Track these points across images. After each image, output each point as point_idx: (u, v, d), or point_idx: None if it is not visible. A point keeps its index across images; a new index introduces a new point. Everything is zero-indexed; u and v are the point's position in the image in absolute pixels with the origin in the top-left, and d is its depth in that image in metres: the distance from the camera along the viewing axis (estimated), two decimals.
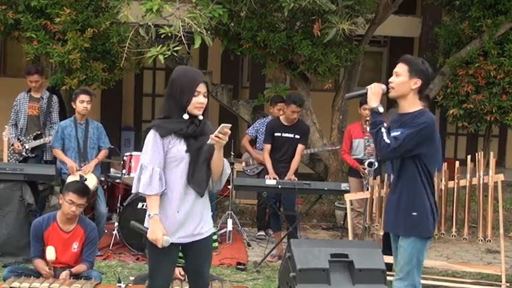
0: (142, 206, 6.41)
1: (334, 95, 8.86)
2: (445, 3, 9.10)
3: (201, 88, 3.62)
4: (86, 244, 5.01)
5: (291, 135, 6.74)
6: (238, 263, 6.27)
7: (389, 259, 5.60)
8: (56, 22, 7.18)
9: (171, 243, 3.59)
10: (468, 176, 5.63)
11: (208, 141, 3.56)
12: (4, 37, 8.27)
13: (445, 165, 5.72)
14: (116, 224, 6.58)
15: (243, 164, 7.80)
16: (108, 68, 7.61)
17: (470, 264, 6.58)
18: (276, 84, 9.37)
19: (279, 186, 6.34)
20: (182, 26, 6.52)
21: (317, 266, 4.31)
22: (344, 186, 6.39)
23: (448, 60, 8.39)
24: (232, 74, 11.02)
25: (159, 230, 3.55)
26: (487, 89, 8.10)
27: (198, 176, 3.61)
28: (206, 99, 3.67)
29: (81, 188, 5.04)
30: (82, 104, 6.42)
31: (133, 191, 3.67)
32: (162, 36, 6.69)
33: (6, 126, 6.94)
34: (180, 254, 3.96)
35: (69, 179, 6.16)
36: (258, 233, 7.64)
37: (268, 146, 6.82)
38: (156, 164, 3.56)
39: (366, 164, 6.53)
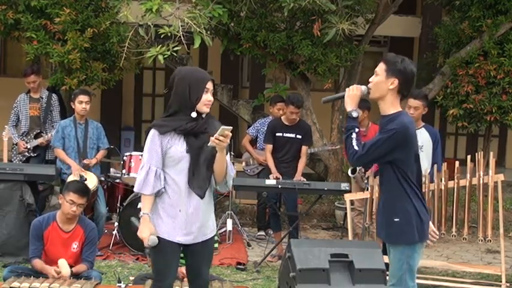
0: None
1: None
2: (445, 3, 9.10)
3: (210, 85, 3.64)
4: (85, 244, 5.01)
5: (293, 135, 6.75)
6: (238, 263, 6.27)
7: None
8: (55, 22, 7.18)
9: (174, 243, 3.60)
10: (468, 176, 5.63)
11: (208, 144, 3.55)
12: (4, 37, 8.27)
13: (445, 165, 5.72)
14: (116, 224, 6.58)
15: (243, 163, 7.81)
16: (108, 68, 7.61)
17: (470, 264, 6.58)
18: (276, 84, 9.37)
19: (279, 186, 6.35)
20: (182, 26, 6.52)
21: (317, 266, 4.31)
22: (344, 186, 6.39)
23: (448, 60, 8.39)
24: (232, 74, 11.02)
25: (146, 228, 3.58)
26: (487, 89, 8.10)
27: (198, 176, 3.60)
28: (212, 98, 3.69)
29: (81, 188, 5.04)
30: (81, 104, 6.42)
31: (135, 190, 3.72)
32: (162, 36, 6.69)
33: (6, 126, 6.95)
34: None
35: (70, 179, 6.17)
36: (258, 233, 7.64)
37: (269, 146, 6.82)
38: (153, 163, 3.58)
39: (349, 171, 6.54)
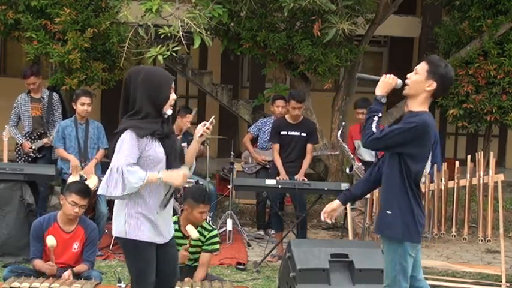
0: None
1: (334, 95, 8.86)
2: (445, 3, 9.09)
3: (173, 84, 3.67)
4: (86, 244, 5.01)
5: (297, 133, 6.75)
6: (238, 263, 6.27)
7: None
8: (56, 22, 7.18)
9: (153, 244, 3.61)
10: (468, 176, 5.63)
11: (198, 135, 3.62)
12: (4, 37, 8.27)
13: (445, 165, 5.72)
14: None
15: (242, 162, 7.80)
16: (108, 68, 7.61)
17: (470, 264, 6.58)
18: (276, 84, 9.38)
19: (279, 186, 6.35)
20: (182, 26, 6.53)
21: (317, 266, 4.32)
22: (344, 186, 6.39)
23: (448, 60, 8.38)
24: (232, 74, 11.01)
25: (173, 174, 3.56)
26: (487, 89, 8.10)
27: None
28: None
29: (83, 189, 5.05)
30: (83, 106, 6.44)
31: (117, 193, 3.49)
32: (162, 36, 6.69)
33: (6, 126, 6.94)
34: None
35: (70, 180, 6.17)
36: (257, 232, 7.65)
37: (276, 146, 6.81)
38: (135, 160, 3.52)
39: (347, 169, 6.57)
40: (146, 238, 3.59)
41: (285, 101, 7.45)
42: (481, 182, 5.56)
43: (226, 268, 6.19)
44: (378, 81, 3.77)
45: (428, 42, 9.56)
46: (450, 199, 5.77)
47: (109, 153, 3.56)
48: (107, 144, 6.66)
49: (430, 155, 3.90)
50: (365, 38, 8.66)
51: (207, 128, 3.61)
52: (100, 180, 6.58)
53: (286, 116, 6.83)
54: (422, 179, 5.37)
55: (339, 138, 6.56)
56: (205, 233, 5.10)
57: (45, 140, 7.01)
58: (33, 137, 7.12)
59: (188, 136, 7.61)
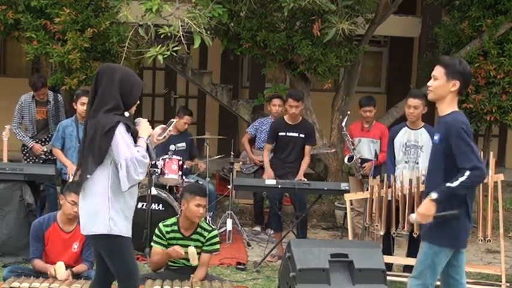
0: (142, 206, 6.41)
1: (334, 95, 8.86)
2: (445, 3, 9.09)
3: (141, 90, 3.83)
4: (86, 244, 5.01)
5: (296, 134, 6.74)
6: (238, 263, 6.27)
7: (389, 259, 5.60)
8: (55, 22, 7.18)
9: (129, 238, 3.69)
10: None
11: (161, 137, 3.79)
12: (4, 37, 8.26)
13: None
14: None
15: (240, 163, 7.80)
16: None
17: (470, 264, 6.56)
18: (276, 84, 9.38)
19: (279, 186, 6.35)
20: (182, 26, 6.52)
21: (317, 266, 4.31)
22: (344, 186, 6.39)
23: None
24: (232, 74, 11.01)
25: (144, 127, 3.74)
26: (487, 89, 8.09)
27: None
28: None
29: None
30: (83, 106, 6.45)
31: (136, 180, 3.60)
32: (162, 36, 6.69)
33: (6, 126, 6.94)
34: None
35: (70, 179, 6.17)
36: (254, 228, 7.68)
37: (268, 146, 6.82)
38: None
39: (346, 159, 6.62)
40: (127, 233, 3.68)
41: (282, 100, 7.50)
42: None
43: (226, 268, 6.19)
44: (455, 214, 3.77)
45: (428, 42, 9.56)
46: None
47: (103, 150, 3.55)
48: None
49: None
50: (365, 38, 8.66)
51: (170, 130, 3.82)
52: None
53: (285, 117, 6.82)
54: (422, 178, 5.40)
55: (343, 125, 6.61)
56: (205, 233, 5.10)
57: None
58: (38, 140, 7.12)
59: (187, 136, 7.63)
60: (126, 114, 3.68)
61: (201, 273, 5.02)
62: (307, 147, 6.81)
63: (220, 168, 8.65)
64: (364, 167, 6.63)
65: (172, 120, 4.06)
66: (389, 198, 5.64)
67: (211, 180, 7.98)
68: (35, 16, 7.27)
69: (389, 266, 5.76)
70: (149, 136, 3.78)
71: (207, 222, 6.15)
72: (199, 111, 11.53)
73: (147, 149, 3.71)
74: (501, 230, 5.72)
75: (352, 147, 6.62)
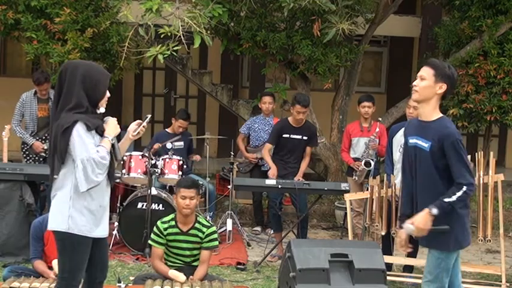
0: (142, 205, 6.43)
1: (334, 95, 8.86)
2: (445, 3, 9.09)
3: (108, 81, 3.77)
4: None
5: (299, 137, 6.76)
6: (238, 263, 6.27)
7: (389, 259, 5.60)
8: (56, 22, 7.18)
9: (90, 238, 3.65)
10: None
11: (135, 133, 3.83)
12: (4, 37, 8.26)
13: None
14: (116, 224, 6.58)
15: (237, 162, 7.80)
16: (108, 68, 7.60)
17: (470, 264, 6.58)
18: (276, 84, 9.38)
19: (279, 186, 6.35)
20: (182, 25, 6.52)
21: (317, 266, 4.31)
22: (344, 186, 6.39)
23: (448, 60, 8.38)
24: (232, 74, 11.02)
25: (111, 126, 3.73)
26: (487, 88, 8.09)
27: (112, 169, 3.75)
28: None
29: None
30: None
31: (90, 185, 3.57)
32: (162, 36, 6.69)
33: (6, 126, 6.94)
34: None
35: None
36: (254, 228, 7.69)
37: (269, 146, 6.82)
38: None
39: (363, 163, 6.58)
40: (87, 233, 3.65)
41: (273, 97, 7.57)
42: (481, 181, 5.56)
43: (226, 268, 6.19)
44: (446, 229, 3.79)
45: (428, 42, 9.56)
46: None
47: (61, 149, 3.53)
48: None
49: None
50: (365, 37, 8.66)
51: (143, 126, 3.82)
52: None
53: (289, 119, 6.82)
54: None
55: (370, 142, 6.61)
56: (204, 229, 5.10)
57: None
58: (38, 138, 7.12)
59: (186, 136, 7.62)
60: (102, 110, 3.68)
61: (202, 270, 5.02)
62: (308, 148, 6.82)
63: (220, 168, 8.65)
64: (361, 167, 6.63)
65: (147, 116, 4.04)
66: (388, 198, 5.65)
67: (211, 180, 7.98)
68: (35, 16, 7.27)
69: (389, 266, 5.76)
70: (119, 134, 3.77)
71: (207, 219, 6.16)
72: (199, 111, 11.54)
73: (113, 149, 3.71)
74: (501, 230, 5.72)
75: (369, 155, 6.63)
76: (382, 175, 5.97)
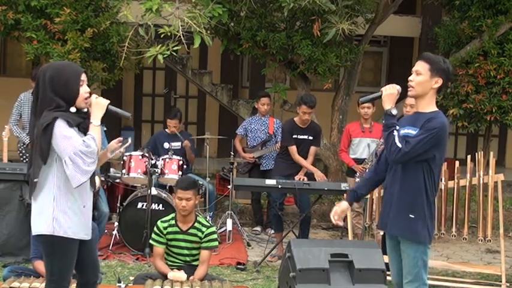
0: (142, 205, 6.42)
1: (334, 95, 8.86)
2: (445, 3, 9.09)
3: (84, 77, 3.64)
4: None
5: (305, 137, 6.81)
6: (238, 263, 6.27)
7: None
8: (56, 22, 7.18)
9: (76, 240, 3.57)
10: (468, 175, 5.63)
11: (112, 155, 3.83)
12: (4, 37, 8.26)
13: (445, 165, 5.71)
14: (116, 224, 6.58)
15: (235, 163, 7.80)
16: (108, 68, 7.61)
17: (470, 264, 6.58)
18: (275, 84, 9.38)
19: (279, 186, 6.35)
20: (182, 25, 6.52)
21: (317, 266, 4.30)
22: (344, 186, 6.40)
23: (448, 60, 8.37)
24: (232, 74, 11.02)
25: (99, 104, 3.65)
26: (487, 88, 8.10)
27: (95, 170, 3.68)
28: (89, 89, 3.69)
29: None
30: None
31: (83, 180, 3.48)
32: (162, 35, 6.69)
33: (6, 126, 6.93)
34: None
35: None
36: (254, 228, 7.69)
37: (293, 148, 6.78)
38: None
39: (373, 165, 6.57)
40: (72, 235, 3.55)
41: (270, 98, 7.59)
42: (481, 181, 5.57)
43: (226, 268, 6.19)
44: (380, 96, 3.86)
45: (428, 42, 9.56)
46: (450, 199, 5.77)
47: (44, 148, 3.44)
48: (107, 145, 6.65)
49: None
50: (365, 37, 8.66)
51: (120, 151, 3.85)
52: (101, 180, 6.59)
53: (296, 120, 6.83)
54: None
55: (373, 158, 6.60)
56: (204, 229, 5.11)
57: None
58: None
59: (187, 136, 7.62)
60: (73, 109, 3.55)
61: (202, 270, 5.02)
62: (312, 148, 6.84)
63: (220, 168, 8.65)
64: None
65: (128, 140, 3.99)
66: None
67: (211, 180, 7.98)
68: (35, 16, 7.26)
69: (389, 266, 5.76)
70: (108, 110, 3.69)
71: (207, 219, 6.16)
72: (199, 111, 11.54)
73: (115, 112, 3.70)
74: (501, 230, 5.72)
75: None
76: None
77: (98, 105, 3.66)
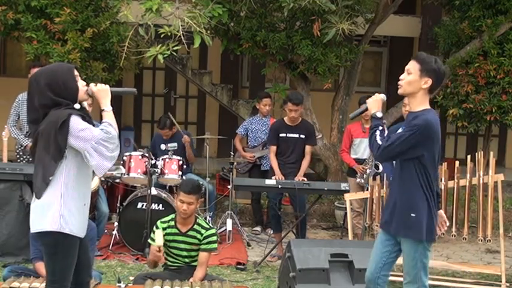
0: (142, 205, 6.42)
1: (334, 95, 8.86)
2: (445, 3, 9.09)
3: (76, 72, 3.65)
4: None
5: (296, 135, 6.76)
6: (238, 263, 6.27)
7: None
8: (56, 22, 7.18)
9: (78, 238, 3.57)
10: (468, 176, 5.63)
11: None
12: (4, 37, 8.26)
13: (445, 165, 5.72)
14: (116, 224, 6.58)
15: (235, 163, 7.80)
16: (108, 67, 7.61)
17: (470, 264, 6.58)
18: (275, 84, 9.38)
19: (279, 186, 6.35)
20: (182, 25, 6.52)
21: (317, 266, 4.31)
22: (344, 186, 6.39)
23: (448, 60, 8.39)
24: (232, 74, 11.01)
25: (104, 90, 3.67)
26: (486, 88, 8.10)
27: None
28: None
29: None
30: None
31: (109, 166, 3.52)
32: (162, 35, 6.69)
33: (6, 126, 6.93)
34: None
35: None
36: (254, 228, 7.69)
37: (273, 147, 6.81)
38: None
39: (373, 166, 6.56)
40: (77, 232, 3.56)
41: (271, 98, 7.59)
42: (481, 181, 5.56)
43: (226, 268, 6.19)
44: (366, 108, 3.97)
45: (428, 42, 9.56)
46: (450, 199, 5.77)
47: (61, 145, 3.45)
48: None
49: None
50: (365, 37, 8.66)
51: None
52: (101, 180, 6.59)
53: (285, 118, 6.83)
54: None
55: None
56: (203, 231, 5.09)
57: None
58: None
59: (180, 136, 7.56)
60: (77, 106, 3.58)
61: (200, 272, 5.01)
62: (307, 147, 6.82)
63: (220, 168, 8.65)
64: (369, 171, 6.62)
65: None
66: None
67: (211, 180, 7.98)
68: (35, 16, 7.27)
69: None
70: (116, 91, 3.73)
71: (207, 221, 6.15)
72: (199, 111, 11.53)
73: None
74: (501, 230, 5.72)
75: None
76: (382, 174, 5.96)
77: (101, 92, 3.68)
